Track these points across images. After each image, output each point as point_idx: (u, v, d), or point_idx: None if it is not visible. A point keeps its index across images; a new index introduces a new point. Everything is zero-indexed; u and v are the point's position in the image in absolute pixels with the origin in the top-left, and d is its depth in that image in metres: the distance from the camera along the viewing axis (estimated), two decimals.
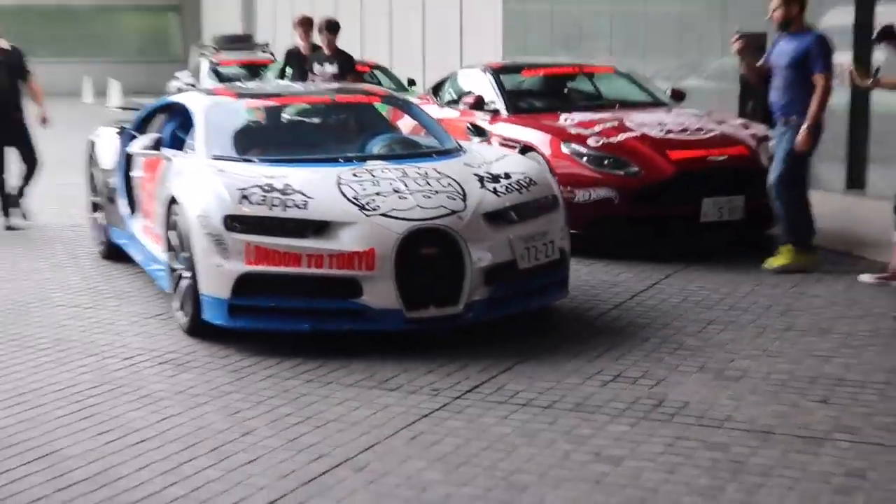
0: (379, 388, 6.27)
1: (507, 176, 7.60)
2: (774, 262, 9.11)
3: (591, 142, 9.98)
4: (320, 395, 6.15)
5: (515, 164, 7.92)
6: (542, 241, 7.33)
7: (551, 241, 7.40)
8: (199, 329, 7.20)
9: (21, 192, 12.01)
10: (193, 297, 7.16)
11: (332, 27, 12.66)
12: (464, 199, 7.20)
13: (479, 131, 9.10)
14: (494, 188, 7.41)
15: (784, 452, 5.24)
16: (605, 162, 9.75)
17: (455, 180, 7.40)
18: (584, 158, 9.82)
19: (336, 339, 6.97)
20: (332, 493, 4.84)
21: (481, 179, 7.49)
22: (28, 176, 11.94)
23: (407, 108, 9.54)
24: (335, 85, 10.85)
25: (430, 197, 7.15)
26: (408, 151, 8.34)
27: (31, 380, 6.51)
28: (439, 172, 7.52)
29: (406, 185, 7.25)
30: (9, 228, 11.70)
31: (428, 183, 7.32)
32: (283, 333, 7.01)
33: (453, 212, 7.06)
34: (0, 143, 11.76)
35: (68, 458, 5.28)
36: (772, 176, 9.03)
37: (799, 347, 6.97)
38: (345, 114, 9.38)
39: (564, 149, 9.97)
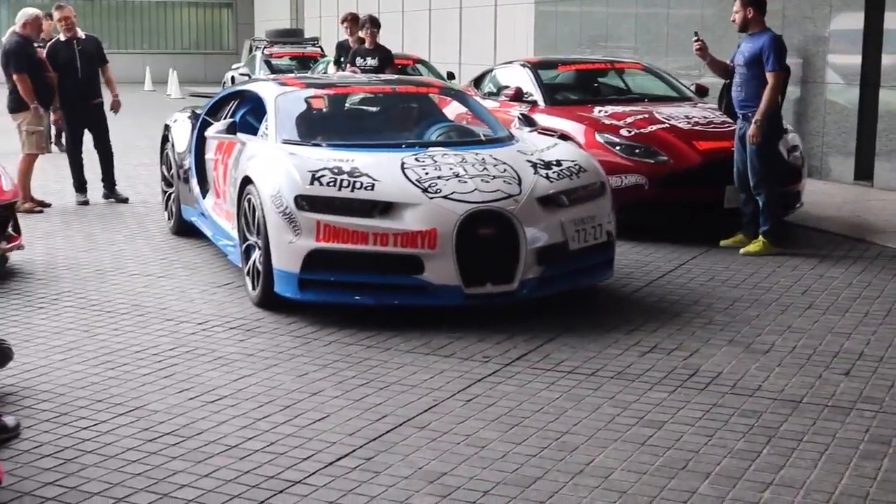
0: (434, 354, 6.26)
1: (559, 163, 7.54)
2: (751, 248, 9.03)
3: (623, 132, 9.94)
4: (380, 360, 6.14)
5: (566, 153, 7.86)
6: (591, 224, 7.27)
7: (599, 224, 7.34)
8: (269, 301, 7.17)
9: (112, 182, 11.97)
10: (265, 271, 7.14)
11: (374, 22, 12.84)
12: (519, 184, 7.15)
13: (529, 121, 9.05)
14: (547, 174, 7.36)
15: (813, 420, 5.20)
16: (637, 151, 9.71)
17: (510, 166, 7.36)
18: (617, 147, 9.77)
19: (391, 309, 6.95)
20: (397, 450, 4.82)
21: (535, 166, 7.44)
22: (106, 163, 11.89)
23: (462, 99, 9.49)
24: (395, 76, 10.83)
25: (488, 181, 7.10)
26: (465, 139, 8.31)
27: (114, 341, 6.53)
28: (496, 159, 7.47)
29: (465, 170, 7.20)
30: (82, 203, 11.71)
31: (485, 168, 7.28)
32: (349, 306, 6.97)
33: (510, 195, 7.01)
34: (79, 127, 11.76)
35: (154, 412, 5.28)
36: (751, 173, 8.96)
37: (820, 324, 6.92)
38: (404, 103, 9.33)
39: (598, 138, 9.92)
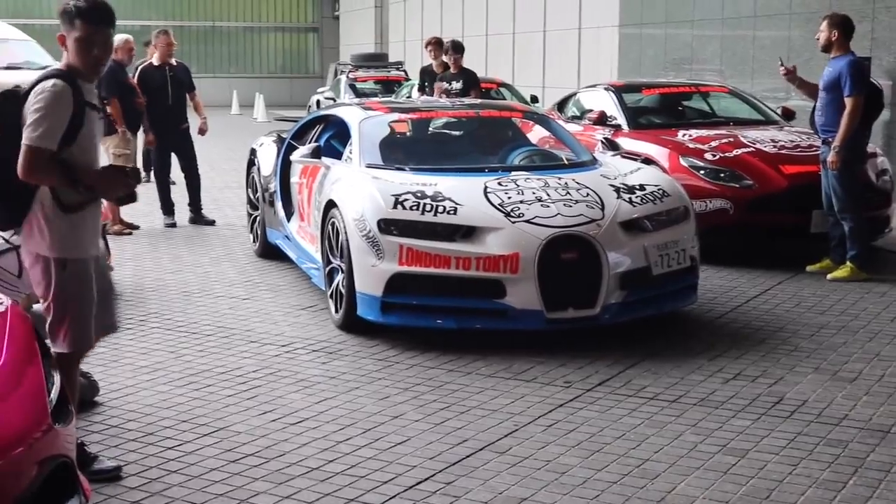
0: (515, 379, 6.25)
1: (642, 188, 7.51)
2: (838, 274, 8.88)
3: (707, 156, 9.86)
4: (461, 384, 6.15)
5: (649, 177, 7.83)
6: (675, 249, 7.22)
7: (683, 249, 7.28)
8: (352, 324, 7.20)
9: (198, 207, 12.16)
10: (348, 294, 7.18)
11: (457, 48, 12.84)
12: (602, 209, 7.13)
13: (612, 145, 9.03)
14: (630, 199, 7.33)
15: None
16: (722, 175, 9.62)
17: (593, 190, 7.34)
18: (702, 171, 9.70)
19: (472, 333, 6.96)
20: (477, 475, 4.83)
21: (617, 190, 7.42)
22: (193, 187, 12.08)
23: (545, 123, 9.50)
24: (478, 101, 10.86)
25: (570, 206, 7.10)
26: (548, 163, 8.32)
27: (199, 363, 6.62)
28: (578, 183, 7.46)
29: (548, 195, 7.20)
30: (170, 226, 11.89)
31: (568, 192, 7.27)
32: (431, 329, 6.98)
33: (592, 220, 6.99)
34: (167, 150, 11.96)
35: (237, 433, 5.35)
36: (834, 199, 8.82)
37: None
38: (487, 127, 9.35)
39: (683, 162, 9.86)
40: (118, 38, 11.38)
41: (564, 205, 7.12)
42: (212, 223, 12.01)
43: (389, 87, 22.11)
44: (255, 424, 5.49)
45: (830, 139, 8.81)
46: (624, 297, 6.94)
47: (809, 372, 6.37)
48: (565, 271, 6.85)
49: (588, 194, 7.30)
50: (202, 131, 12.27)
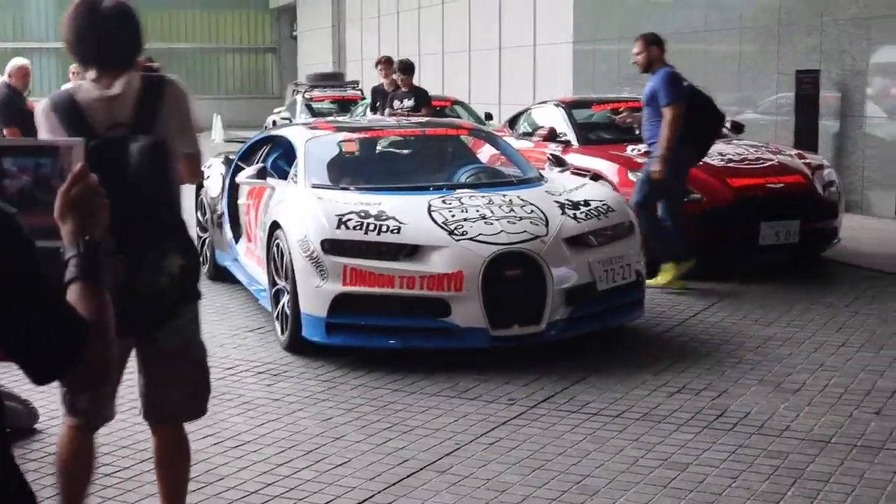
0: (459, 397, 6.23)
1: (587, 203, 7.53)
2: (660, 280, 8.94)
3: None
4: (405, 404, 6.12)
5: (594, 193, 7.86)
6: (620, 264, 7.24)
7: (628, 264, 7.30)
8: (298, 345, 7.18)
9: None
10: (293, 316, 7.15)
11: (405, 69, 12.89)
12: (546, 225, 7.14)
13: (559, 162, 9.06)
14: (575, 214, 7.35)
15: (841, 461, 5.12)
16: None
17: (538, 207, 7.35)
18: None
19: (419, 352, 6.94)
20: (417, 495, 4.81)
21: (562, 206, 7.43)
22: None
23: (492, 140, 9.52)
24: (425, 118, 10.87)
25: (514, 222, 7.10)
26: (493, 180, 8.34)
27: None
28: (523, 200, 7.47)
29: (492, 212, 7.21)
30: None
31: (512, 210, 7.28)
32: (376, 350, 6.97)
33: (536, 236, 7.00)
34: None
35: None
36: (632, 198, 8.90)
37: (853, 362, 6.82)
38: (434, 145, 9.36)
39: (631, 177, 9.87)
40: (12, 64, 10.60)
41: (508, 222, 7.13)
42: None
43: (346, 106, 22.06)
44: (196, 448, 5.39)
45: (653, 149, 9.02)
46: (569, 313, 6.95)
47: (753, 384, 6.39)
48: (510, 288, 6.86)
49: (532, 211, 7.31)
50: None
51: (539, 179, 8.22)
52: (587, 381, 6.48)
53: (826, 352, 7.09)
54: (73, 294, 2.11)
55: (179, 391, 3.96)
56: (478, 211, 7.23)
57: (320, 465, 5.19)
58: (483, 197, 7.50)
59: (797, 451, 5.25)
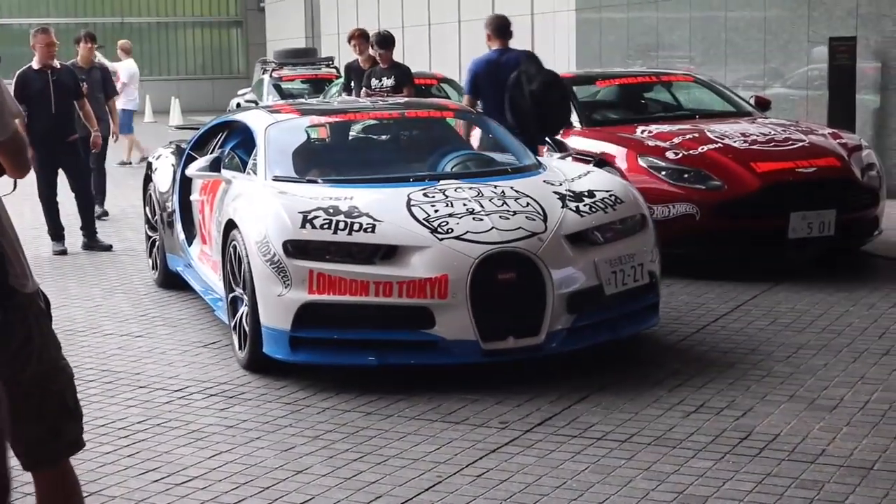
0: (442, 421, 6.08)
1: (591, 194, 7.36)
2: None
3: (669, 154, 9.77)
4: (380, 430, 5.97)
5: (600, 182, 7.68)
6: (630, 263, 7.05)
7: (640, 263, 7.12)
8: (258, 363, 7.00)
9: (91, 230, 11.86)
10: (252, 329, 6.97)
11: (382, 42, 12.68)
12: (544, 220, 6.96)
13: (559, 146, 8.91)
14: (577, 207, 7.17)
15: (886, 491, 4.98)
16: (686, 175, 9.54)
17: (534, 199, 7.17)
18: (663, 172, 9.60)
19: (398, 370, 6.78)
20: None
21: (563, 198, 7.26)
22: (83, 208, 11.82)
23: (480, 122, 9.35)
24: (404, 99, 10.72)
25: (507, 218, 6.92)
26: (483, 169, 8.16)
27: None
28: (517, 191, 7.29)
29: (481, 206, 7.03)
30: (59, 253, 11.63)
31: (505, 203, 7.10)
32: (348, 367, 6.80)
33: (533, 233, 6.81)
34: (51, 167, 11.61)
35: (112, 498, 5.16)
36: None
37: None
38: (415, 130, 9.21)
39: (641, 162, 9.76)
40: None
41: (500, 217, 6.95)
42: (108, 248, 11.78)
43: (319, 86, 21.89)
44: (134, 486, 5.29)
45: None
46: (572, 323, 6.78)
47: (783, 401, 6.25)
48: (503, 295, 6.69)
49: (528, 204, 7.14)
50: (95, 144, 12.05)
51: (537, 167, 8.06)
52: (591, 400, 6.34)
53: (867, 361, 6.96)
54: None
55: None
56: (465, 205, 7.06)
57: (278, 503, 5.03)
58: (471, 188, 7.32)
59: (834, 480, 5.11)
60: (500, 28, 10.39)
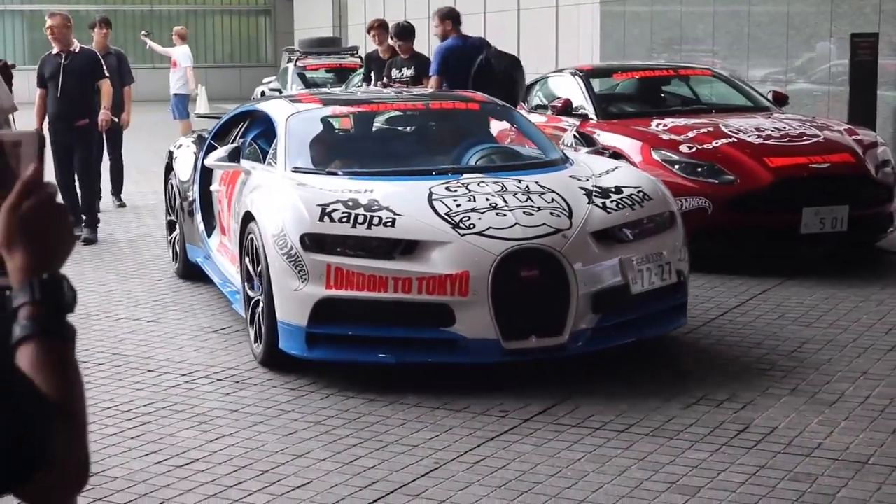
0: (443, 408, 6.12)
1: (619, 190, 7.20)
2: None
3: (683, 148, 9.77)
4: (381, 416, 6.02)
5: (628, 177, 7.53)
6: (658, 262, 6.91)
7: (668, 262, 6.97)
8: (274, 359, 6.88)
9: (94, 218, 11.83)
10: (268, 325, 6.85)
11: (401, 33, 12.59)
12: (569, 216, 6.80)
13: (587, 140, 8.83)
14: (604, 203, 7.01)
15: (879, 485, 5.00)
16: (699, 169, 9.53)
17: (560, 195, 7.01)
18: (676, 166, 9.60)
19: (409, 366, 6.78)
20: None
21: (589, 194, 7.10)
22: (87, 194, 11.77)
23: (507, 115, 9.14)
24: (429, 90, 10.70)
25: (531, 214, 6.77)
26: (508, 163, 8.03)
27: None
28: (542, 186, 7.13)
29: (505, 201, 6.87)
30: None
31: (529, 198, 6.95)
32: (365, 365, 6.73)
33: (558, 230, 6.65)
34: (64, 149, 11.57)
35: (113, 479, 5.22)
36: None
37: None
38: (439, 122, 9.09)
39: (655, 155, 9.76)
40: None
41: (524, 213, 6.78)
42: (93, 242, 11.58)
43: (344, 75, 21.94)
44: (136, 468, 5.36)
45: None
46: (597, 322, 6.61)
47: (784, 394, 6.27)
48: (526, 292, 6.54)
49: (553, 199, 6.97)
50: (103, 121, 11.75)
51: (563, 162, 7.90)
52: (592, 390, 6.37)
53: (871, 357, 6.96)
54: (26, 359, 1.66)
55: None
56: (488, 199, 6.90)
57: (276, 487, 5.10)
58: (495, 182, 7.16)
59: (828, 474, 5.13)
60: (458, 18, 11.51)
